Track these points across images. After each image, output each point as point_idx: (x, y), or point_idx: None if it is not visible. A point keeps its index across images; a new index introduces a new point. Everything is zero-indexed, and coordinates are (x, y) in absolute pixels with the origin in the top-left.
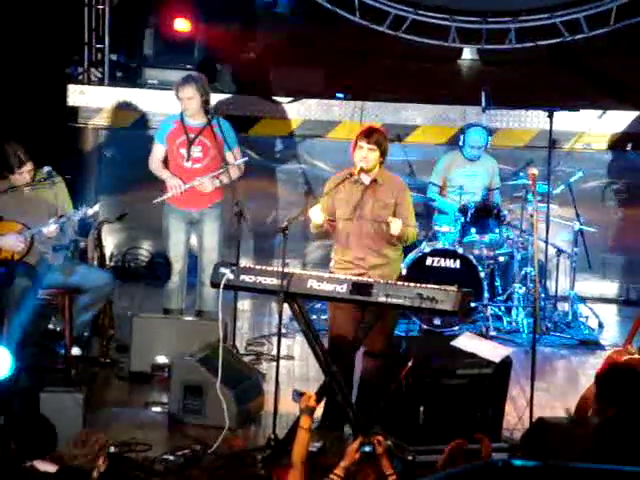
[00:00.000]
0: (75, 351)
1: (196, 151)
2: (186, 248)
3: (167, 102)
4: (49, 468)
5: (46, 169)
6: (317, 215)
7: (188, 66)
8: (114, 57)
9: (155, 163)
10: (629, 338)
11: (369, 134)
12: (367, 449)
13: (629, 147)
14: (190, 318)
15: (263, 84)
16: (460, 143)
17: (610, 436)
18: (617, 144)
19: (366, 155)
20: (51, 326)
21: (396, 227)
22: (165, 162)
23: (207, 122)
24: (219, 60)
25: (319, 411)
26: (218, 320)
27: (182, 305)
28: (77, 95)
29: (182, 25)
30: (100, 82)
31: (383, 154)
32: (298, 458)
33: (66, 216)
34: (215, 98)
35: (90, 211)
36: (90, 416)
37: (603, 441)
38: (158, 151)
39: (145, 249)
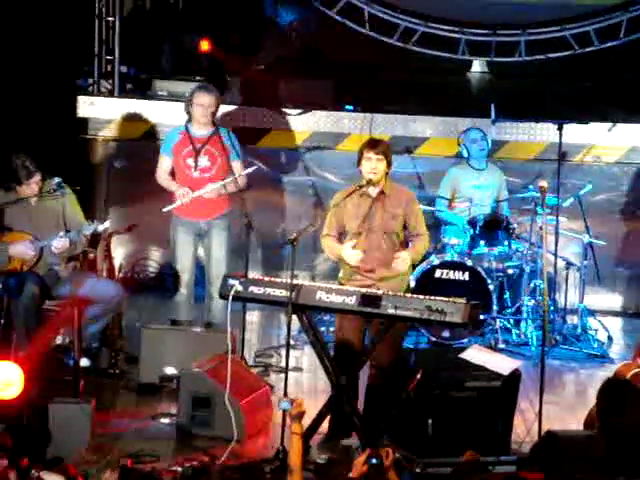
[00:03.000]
0: (84, 362)
1: (203, 161)
2: (194, 260)
3: (177, 113)
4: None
5: (56, 180)
6: (353, 255)
7: (198, 77)
8: (124, 69)
9: (162, 175)
10: (638, 351)
11: (375, 145)
12: (375, 461)
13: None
14: (198, 329)
15: (272, 96)
16: (464, 154)
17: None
18: (626, 157)
19: (375, 166)
20: (60, 338)
21: (404, 260)
22: (173, 174)
23: (213, 132)
24: (228, 71)
25: (327, 423)
26: (227, 331)
27: (190, 316)
28: (87, 106)
29: (204, 47)
30: (110, 94)
31: (389, 165)
32: (295, 464)
33: (77, 230)
34: (225, 109)
35: (101, 227)
36: (99, 427)
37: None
38: (164, 163)
39: (154, 260)
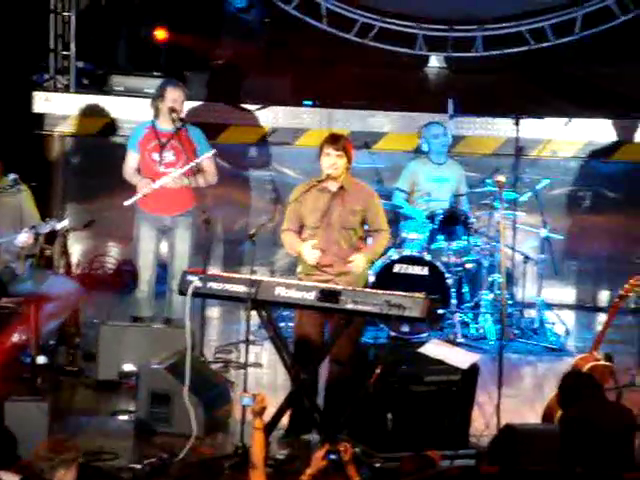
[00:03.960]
0: (41, 360)
1: (169, 155)
2: (156, 256)
3: (134, 109)
4: (12, 479)
5: (11, 177)
6: (312, 255)
7: (156, 73)
8: (80, 64)
9: (129, 171)
10: (595, 344)
11: (335, 140)
12: (333, 456)
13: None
14: (158, 326)
15: (231, 91)
16: (424, 148)
17: (574, 439)
18: (583, 151)
19: (335, 162)
20: (16, 336)
21: (358, 265)
22: (139, 170)
23: (178, 127)
24: (187, 67)
25: (287, 419)
26: (186, 328)
27: (151, 313)
28: (43, 102)
29: (159, 34)
30: (66, 89)
31: (349, 160)
32: (258, 459)
33: (34, 228)
34: (185, 105)
35: (59, 225)
36: (56, 425)
37: (568, 445)
38: (131, 159)
39: (112, 257)
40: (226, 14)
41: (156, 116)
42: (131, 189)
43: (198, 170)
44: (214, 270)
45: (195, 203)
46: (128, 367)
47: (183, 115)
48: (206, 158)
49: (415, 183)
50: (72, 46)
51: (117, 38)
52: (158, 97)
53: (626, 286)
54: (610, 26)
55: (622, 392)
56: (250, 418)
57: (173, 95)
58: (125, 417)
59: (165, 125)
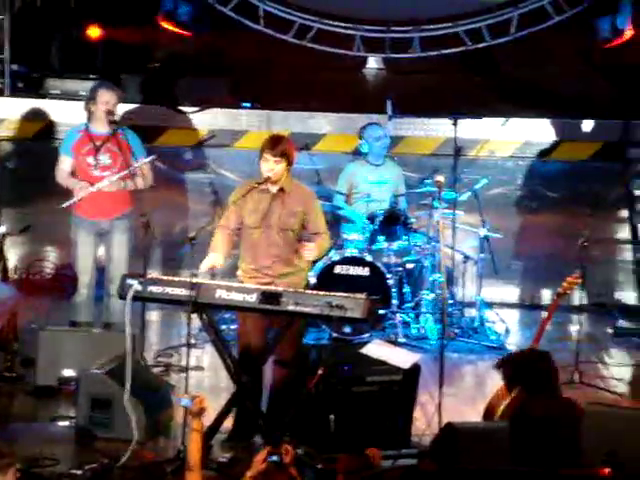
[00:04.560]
0: None
1: (104, 159)
2: (94, 260)
3: (70, 112)
4: None
5: None
6: (204, 264)
7: (92, 76)
8: (15, 67)
9: (62, 175)
10: (534, 342)
11: (274, 146)
12: (275, 458)
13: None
14: (97, 330)
15: (169, 94)
16: (364, 150)
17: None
18: (520, 151)
19: (272, 167)
20: None
21: (310, 254)
22: (73, 174)
23: (113, 130)
24: (124, 69)
25: (230, 422)
26: (126, 332)
27: (90, 317)
28: None
29: (92, 32)
30: (0, 93)
31: (290, 163)
32: (195, 461)
33: None
34: (121, 108)
35: None
36: None
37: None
38: (64, 163)
39: (50, 261)
40: (162, 15)
41: (89, 119)
42: (69, 193)
43: (134, 173)
44: (154, 274)
45: (132, 206)
46: (67, 372)
47: (117, 117)
48: (144, 162)
49: (354, 185)
50: (6, 49)
51: (52, 41)
52: (91, 100)
53: (564, 284)
54: (545, 26)
55: (561, 390)
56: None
57: (106, 97)
58: (65, 423)
59: (99, 128)
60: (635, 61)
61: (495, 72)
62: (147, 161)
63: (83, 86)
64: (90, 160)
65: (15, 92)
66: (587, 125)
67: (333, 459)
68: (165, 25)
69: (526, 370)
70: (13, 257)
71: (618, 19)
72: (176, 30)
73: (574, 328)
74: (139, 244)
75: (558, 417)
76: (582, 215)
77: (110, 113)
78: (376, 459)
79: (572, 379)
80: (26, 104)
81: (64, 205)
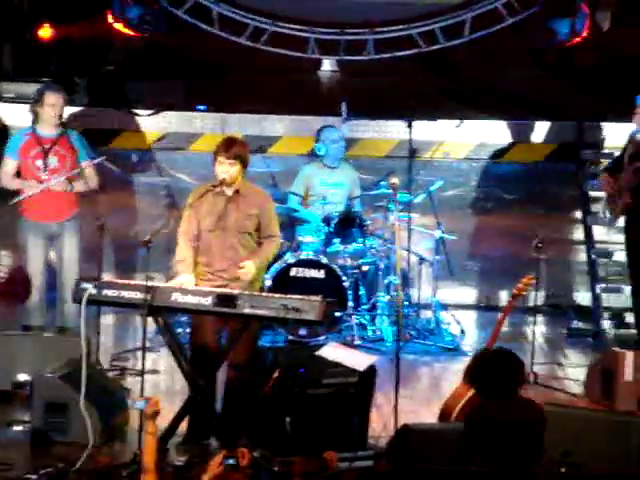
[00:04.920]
0: None
1: (53, 162)
2: (45, 263)
3: (24, 116)
4: None
5: None
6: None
7: (45, 79)
8: None
9: (6, 178)
10: (489, 343)
11: (228, 148)
12: (231, 461)
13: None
14: (51, 334)
15: (123, 97)
16: (319, 152)
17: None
18: (475, 153)
19: (227, 170)
20: None
21: (247, 272)
22: (17, 176)
23: (61, 133)
24: (78, 72)
25: (185, 425)
26: (81, 335)
27: (43, 321)
28: None
29: (43, 32)
30: None
31: (244, 165)
32: (150, 464)
33: None
34: (74, 111)
35: None
36: None
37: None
38: (9, 165)
39: (2, 265)
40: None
41: (35, 121)
42: (15, 195)
43: (79, 175)
44: (108, 277)
45: (79, 208)
46: (22, 377)
47: (64, 119)
48: (91, 164)
49: (310, 187)
50: None
51: (5, 44)
52: (37, 102)
53: (519, 285)
54: (498, 28)
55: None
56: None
57: (52, 100)
58: (20, 427)
59: (46, 131)
60: (587, 63)
61: (455, 74)
62: (93, 163)
63: (36, 88)
64: (39, 163)
65: None
66: (541, 127)
67: (289, 462)
68: (116, 26)
69: (480, 373)
70: None
71: (577, 22)
72: (126, 32)
73: (529, 329)
74: (94, 247)
75: (516, 420)
76: (537, 216)
77: (54, 116)
78: (332, 461)
79: (527, 380)
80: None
81: (13, 202)
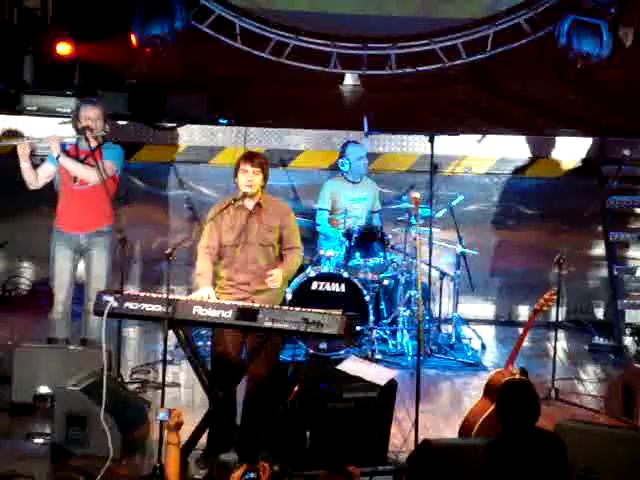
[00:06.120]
0: None
1: None
2: (72, 276)
3: (48, 128)
4: None
5: None
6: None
7: (68, 92)
8: None
9: (32, 176)
10: (511, 359)
11: (252, 158)
12: (252, 476)
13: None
14: (74, 347)
15: (146, 110)
16: (343, 168)
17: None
18: (497, 168)
19: (251, 178)
20: None
21: (276, 280)
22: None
23: (97, 146)
24: (101, 86)
25: (205, 438)
26: (102, 349)
27: (67, 334)
28: None
29: (63, 48)
30: None
31: (265, 178)
32: (173, 475)
33: None
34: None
35: None
36: None
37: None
38: (45, 168)
39: (26, 277)
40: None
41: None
42: (43, 208)
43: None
44: (131, 290)
45: (112, 222)
46: (43, 389)
47: (104, 132)
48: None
49: (335, 202)
50: None
51: (29, 57)
52: (75, 118)
53: (541, 300)
54: (521, 43)
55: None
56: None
57: (86, 114)
58: (40, 440)
59: (86, 143)
60: (609, 78)
61: (472, 89)
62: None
63: (61, 102)
64: (71, 173)
65: None
66: (563, 142)
67: (313, 476)
68: (134, 43)
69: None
70: None
71: (603, 40)
72: (147, 48)
73: (550, 345)
74: (116, 260)
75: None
76: (558, 231)
77: (90, 129)
78: (356, 476)
79: (549, 395)
80: (3, 120)
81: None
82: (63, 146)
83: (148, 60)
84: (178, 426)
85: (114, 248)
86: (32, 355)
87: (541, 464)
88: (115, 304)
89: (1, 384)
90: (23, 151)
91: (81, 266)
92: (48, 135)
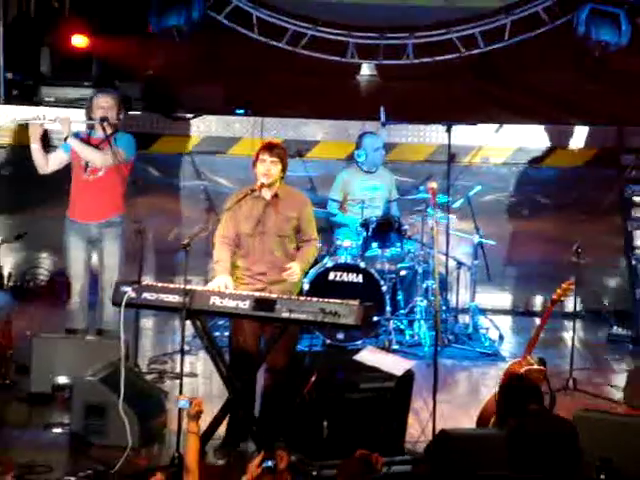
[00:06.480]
0: None
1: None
2: (86, 266)
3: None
4: None
5: None
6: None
7: (86, 83)
8: (9, 75)
9: (42, 161)
10: (528, 349)
11: (271, 148)
12: (269, 464)
13: None
14: (91, 337)
15: (163, 101)
16: (359, 159)
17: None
18: (514, 157)
19: (269, 168)
20: None
21: (294, 273)
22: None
23: (109, 134)
24: (118, 77)
25: (223, 428)
26: (120, 339)
27: (85, 324)
28: None
29: (79, 41)
30: None
31: (284, 169)
32: (192, 463)
33: None
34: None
35: None
36: None
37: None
38: (57, 155)
39: (44, 268)
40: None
41: (90, 126)
42: (60, 199)
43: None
44: (147, 280)
45: (122, 212)
46: (62, 379)
47: (117, 121)
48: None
49: (348, 192)
50: (0, 57)
51: (46, 48)
52: (88, 107)
53: (558, 291)
54: (539, 32)
55: (555, 396)
56: (186, 428)
57: (99, 102)
58: (59, 430)
59: (98, 132)
60: (628, 67)
61: (489, 78)
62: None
63: (78, 93)
64: (82, 163)
65: (9, 100)
66: (581, 131)
67: (330, 466)
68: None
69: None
70: (8, 264)
71: (622, 28)
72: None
73: (568, 335)
74: (133, 251)
75: (554, 434)
76: (576, 221)
77: (105, 119)
78: (379, 464)
79: (566, 386)
80: (20, 111)
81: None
82: (76, 134)
83: (164, 51)
84: (198, 415)
85: (128, 238)
86: (50, 345)
87: (554, 449)
88: (133, 294)
89: (20, 374)
90: (34, 132)
91: (95, 257)
92: (60, 116)
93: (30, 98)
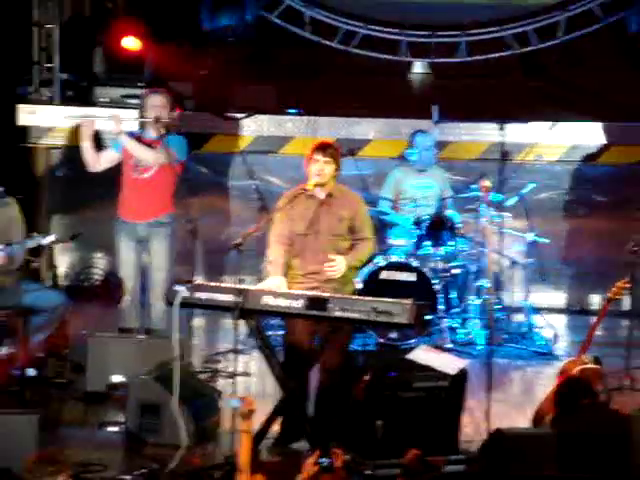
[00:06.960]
0: (30, 372)
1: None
2: (137, 266)
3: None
4: None
5: None
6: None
7: (139, 84)
8: (64, 76)
9: (94, 158)
10: (583, 348)
11: (324, 148)
12: (325, 462)
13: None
14: (145, 337)
15: (215, 101)
16: (412, 157)
17: (568, 447)
18: (568, 155)
19: (322, 168)
20: (5, 348)
21: (337, 267)
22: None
23: (161, 135)
24: (170, 78)
25: (277, 427)
26: (174, 338)
27: (137, 324)
28: (27, 115)
29: (130, 43)
30: (50, 101)
31: (337, 168)
32: (244, 462)
33: (20, 244)
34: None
35: (44, 241)
36: (45, 437)
37: (561, 452)
38: (107, 153)
39: (99, 268)
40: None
41: (142, 126)
42: (114, 199)
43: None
44: (200, 280)
45: (172, 211)
46: (117, 378)
47: (170, 120)
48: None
49: (400, 191)
50: (56, 58)
51: (101, 49)
52: (141, 107)
53: (613, 289)
54: (593, 29)
55: (611, 395)
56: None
57: (152, 102)
58: (114, 428)
59: (149, 132)
60: None
61: (542, 76)
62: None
63: (131, 94)
64: (132, 162)
65: (64, 100)
66: (636, 128)
67: (384, 465)
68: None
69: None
70: (63, 264)
71: None
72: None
73: (624, 333)
74: (185, 250)
75: (606, 431)
76: (631, 219)
77: (158, 119)
78: (439, 464)
79: (622, 385)
80: (75, 112)
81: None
82: (131, 134)
83: (216, 50)
84: (250, 414)
85: (180, 238)
86: (105, 345)
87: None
88: (186, 294)
89: (75, 373)
90: (85, 130)
91: (145, 256)
92: (111, 114)
93: (84, 99)
